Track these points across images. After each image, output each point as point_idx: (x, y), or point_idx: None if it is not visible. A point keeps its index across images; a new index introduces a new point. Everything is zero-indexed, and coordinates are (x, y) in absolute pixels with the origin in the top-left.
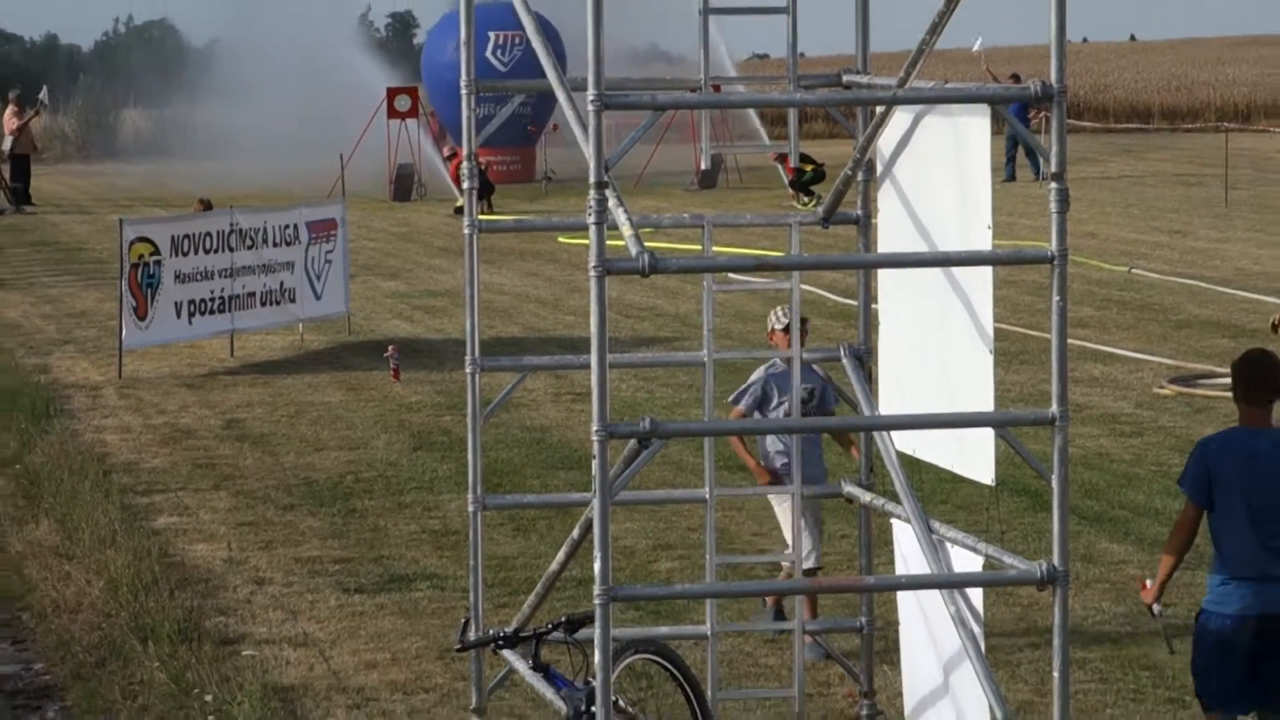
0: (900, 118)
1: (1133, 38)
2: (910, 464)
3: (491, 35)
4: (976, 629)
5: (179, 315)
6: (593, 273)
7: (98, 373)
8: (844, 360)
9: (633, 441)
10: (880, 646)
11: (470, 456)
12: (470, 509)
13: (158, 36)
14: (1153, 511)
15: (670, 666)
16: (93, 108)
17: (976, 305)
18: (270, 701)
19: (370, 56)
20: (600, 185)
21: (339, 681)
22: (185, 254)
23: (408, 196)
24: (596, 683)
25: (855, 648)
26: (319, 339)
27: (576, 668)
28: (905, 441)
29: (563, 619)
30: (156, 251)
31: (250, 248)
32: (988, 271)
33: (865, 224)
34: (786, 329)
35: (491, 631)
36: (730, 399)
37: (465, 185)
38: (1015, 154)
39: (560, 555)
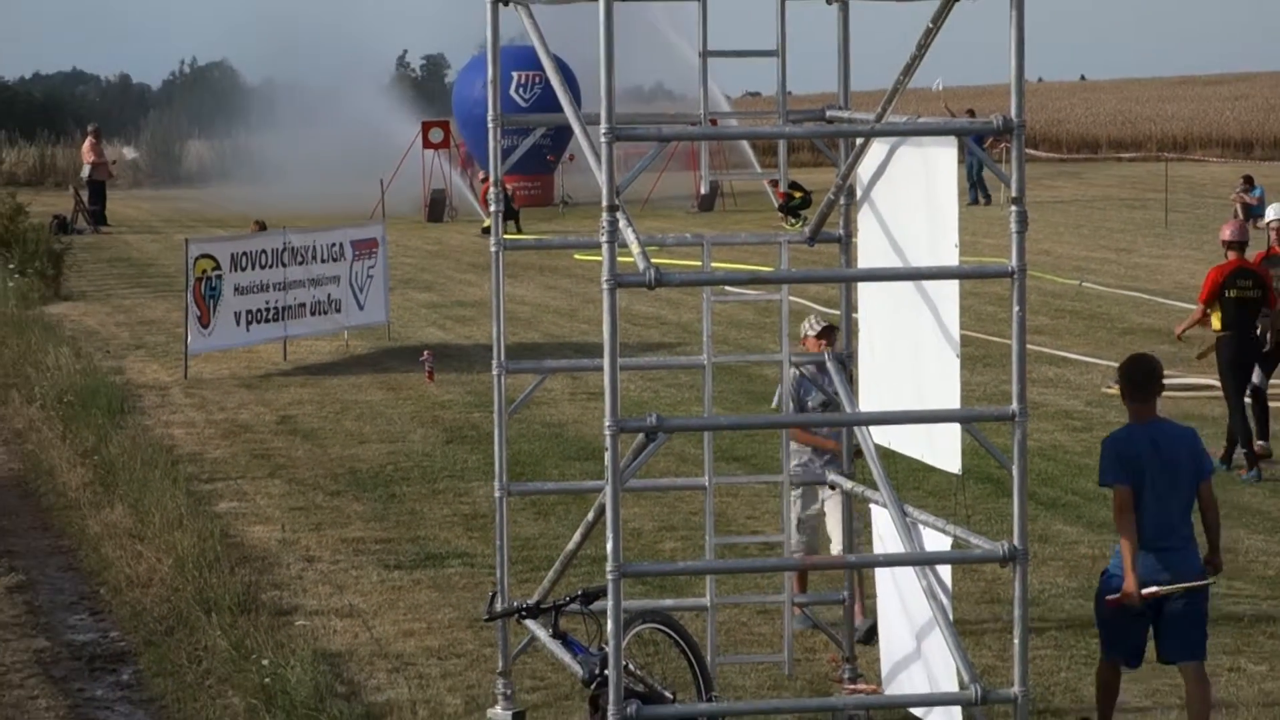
0: (877, 148)
1: (1083, 77)
2: (886, 455)
3: (515, 75)
4: (945, 601)
5: (238, 323)
6: (605, 286)
7: (166, 374)
8: (828, 363)
9: (641, 435)
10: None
11: (496, 448)
12: (496, 495)
13: (218, 76)
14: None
15: (674, 634)
16: (161, 139)
17: (944, 314)
18: (320, 665)
19: (404, 94)
20: (612, 208)
21: (380, 648)
22: (243, 269)
23: (440, 218)
24: (609, 649)
25: (838, 618)
26: (362, 344)
27: (591, 635)
28: (882, 435)
29: (579, 592)
30: (218, 267)
31: (301, 264)
32: (954, 284)
33: (846, 242)
34: (819, 334)
35: (515, 603)
36: (773, 404)
37: (492, 208)
38: (979, 180)
39: (576, 536)
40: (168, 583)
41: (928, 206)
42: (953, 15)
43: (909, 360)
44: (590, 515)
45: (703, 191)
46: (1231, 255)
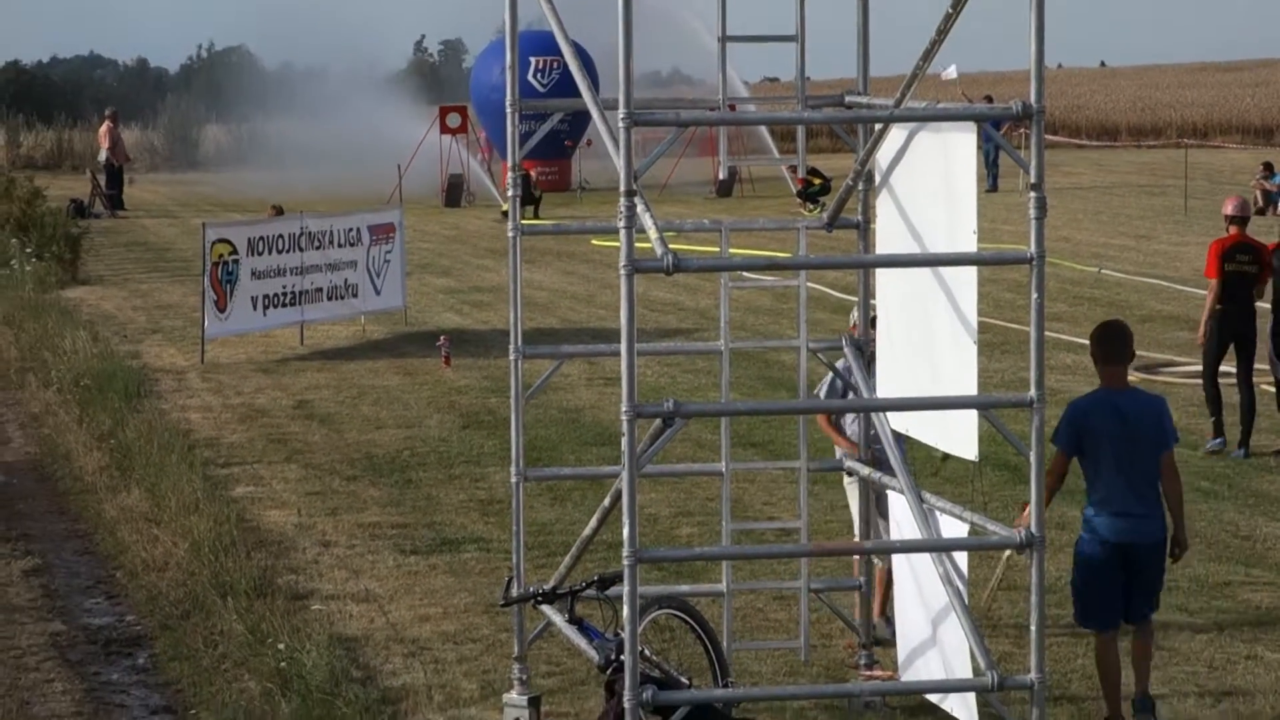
0: (896, 134)
1: (1103, 64)
2: (901, 441)
3: (533, 60)
4: (962, 587)
5: (255, 308)
6: (622, 271)
7: (183, 358)
8: (845, 349)
9: (657, 421)
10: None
11: (513, 434)
12: (513, 480)
13: (235, 61)
14: None
15: (690, 620)
16: (178, 124)
17: (962, 301)
18: (335, 650)
19: (422, 79)
20: (629, 193)
21: (396, 633)
22: (260, 254)
23: (457, 203)
24: (625, 634)
25: (855, 604)
26: (379, 329)
27: (607, 621)
28: (899, 421)
29: (595, 578)
30: (235, 251)
31: (318, 248)
32: (973, 271)
33: (864, 228)
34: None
35: (531, 589)
36: (816, 390)
37: (510, 193)
38: (997, 167)
39: (593, 521)
40: (184, 567)
41: (946, 192)
42: (972, 1)
43: (926, 347)
44: (607, 501)
45: (721, 177)
46: (1233, 230)
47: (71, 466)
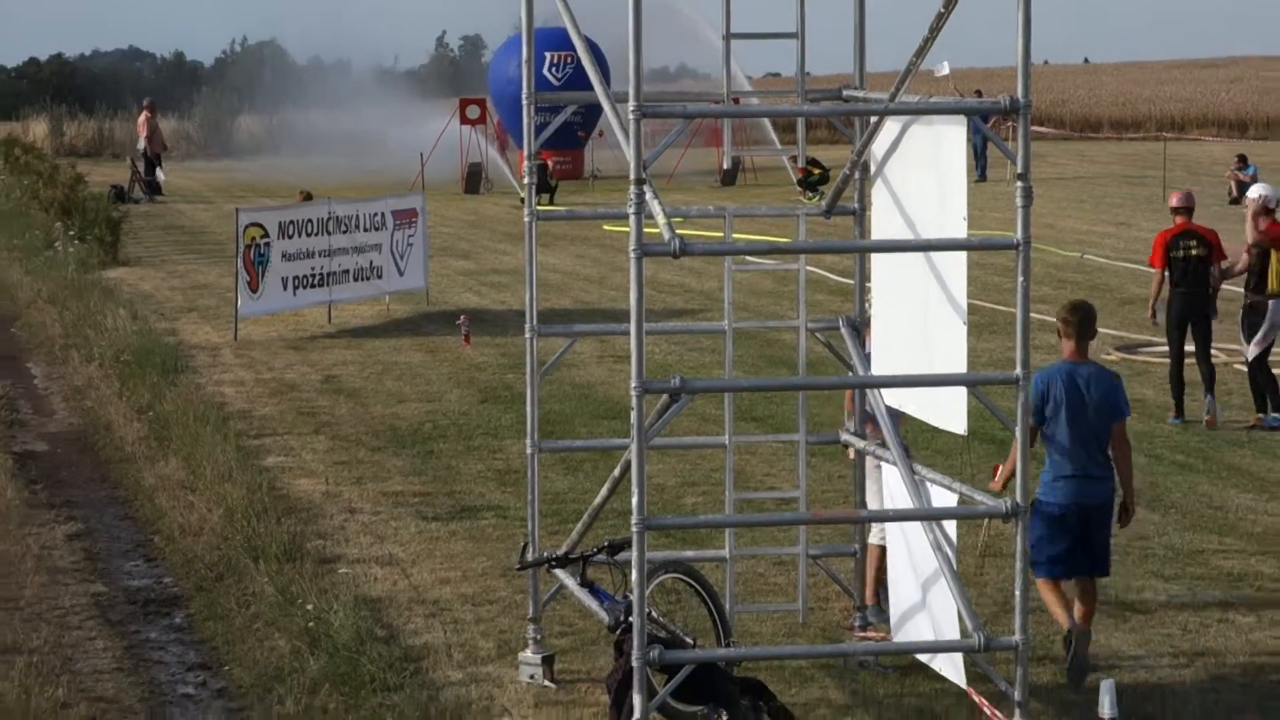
0: (890, 126)
1: (1086, 60)
2: (896, 416)
3: (548, 55)
4: (951, 554)
5: (285, 288)
6: (632, 255)
7: (217, 335)
8: (842, 329)
9: (665, 396)
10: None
11: (528, 408)
12: (528, 451)
13: (268, 54)
14: None
15: (695, 584)
16: (213, 114)
17: (952, 284)
18: (361, 610)
19: (441, 73)
20: (639, 181)
21: (418, 594)
22: (290, 237)
23: (477, 190)
24: (634, 597)
25: (850, 569)
26: (402, 309)
27: (617, 584)
28: (892, 398)
29: (605, 544)
30: (267, 235)
31: (345, 232)
32: (962, 255)
33: (861, 215)
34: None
35: (545, 554)
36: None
37: (526, 180)
38: (985, 158)
39: (603, 490)
40: (218, 532)
41: (938, 182)
42: (963, 1)
43: (918, 327)
44: (617, 471)
45: (725, 167)
46: (1179, 219)
47: (112, 437)
